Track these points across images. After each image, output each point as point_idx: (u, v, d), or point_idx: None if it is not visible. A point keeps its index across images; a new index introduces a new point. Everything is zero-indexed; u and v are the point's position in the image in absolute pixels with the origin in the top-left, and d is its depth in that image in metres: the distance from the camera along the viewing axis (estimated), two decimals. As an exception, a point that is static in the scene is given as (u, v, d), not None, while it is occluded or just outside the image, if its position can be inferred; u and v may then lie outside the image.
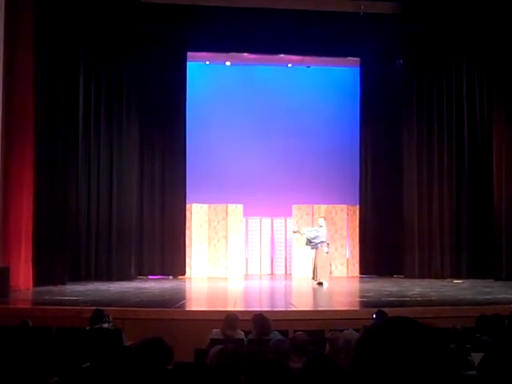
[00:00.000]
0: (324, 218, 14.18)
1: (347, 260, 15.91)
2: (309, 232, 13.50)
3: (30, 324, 6.64)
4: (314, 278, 13.08)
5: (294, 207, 15.93)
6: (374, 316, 6.90)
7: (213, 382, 4.06)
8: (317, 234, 13.33)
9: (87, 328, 7.11)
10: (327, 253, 13.33)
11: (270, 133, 16.40)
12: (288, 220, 16.34)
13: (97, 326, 7.08)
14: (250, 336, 6.50)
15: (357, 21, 14.24)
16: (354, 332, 5.33)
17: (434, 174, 15.11)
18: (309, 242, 13.35)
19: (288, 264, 16.27)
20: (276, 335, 6.16)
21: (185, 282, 14.48)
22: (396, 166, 15.39)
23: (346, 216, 16.11)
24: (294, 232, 14.51)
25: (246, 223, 16.34)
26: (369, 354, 1.26)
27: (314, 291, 12.65)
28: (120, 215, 14.41)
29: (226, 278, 15.12)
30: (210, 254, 15.66)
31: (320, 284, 12.92)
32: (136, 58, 14.72)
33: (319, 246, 13.20)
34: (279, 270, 16.36)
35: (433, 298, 10.84)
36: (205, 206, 15.77)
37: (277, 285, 14.63)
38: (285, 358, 4.61)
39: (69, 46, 13.59)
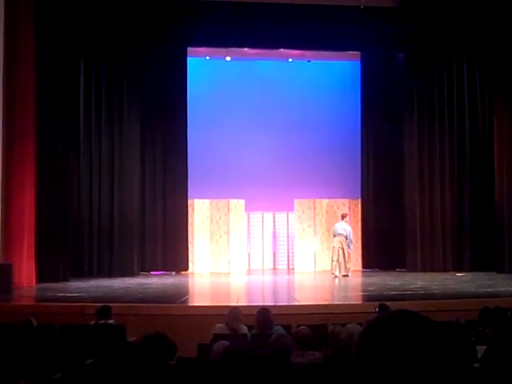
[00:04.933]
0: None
1: (349, 254, 15.88)
2: (349, 234, 14.10)
3: (34, 322, 6.66)
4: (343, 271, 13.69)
5: (296, 201, 15.90)
6: (377, 310, 6.91)
7: (215, 376, 4.07)
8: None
9: (92, 323, 7.17)
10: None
11: (271, 127, 16.38)
12: (290, 214, 16.33)
13: (102, 321, 7.14)
14: (254, 331, 6.50)
15: (357, 15, 14.18)
16: (357, 326, 5.34)
17: (435, 167, 15.10)
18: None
19: (291, 258, 16.26)
20: (279, 330, 6.16)
21: (187, 277, 14.50)
22: (397, 160, 15.37)
23: (347, 210, 16.09)
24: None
25: (248, 218, 16.32)
26: (372, 347, 1.26)
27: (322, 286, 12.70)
28: (122, 211, 14.40)
29: (229, 273, 15.10)
30: (213, 249, 15.65)
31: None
32: (136, 53, 14.70)
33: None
34: (282, 265, 16.34)
35: (435, 292, 10.84)
36: (206, 202, 15.75)
37: (279, 279, 14.64)
38: (286, 353, 4.62)
39: (69, 42, 13.56)
